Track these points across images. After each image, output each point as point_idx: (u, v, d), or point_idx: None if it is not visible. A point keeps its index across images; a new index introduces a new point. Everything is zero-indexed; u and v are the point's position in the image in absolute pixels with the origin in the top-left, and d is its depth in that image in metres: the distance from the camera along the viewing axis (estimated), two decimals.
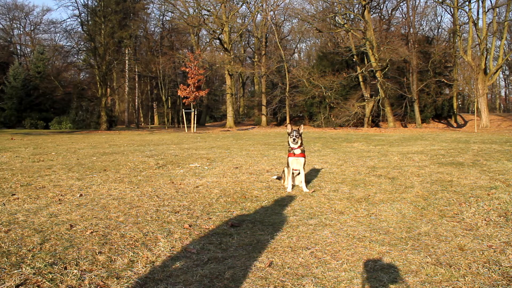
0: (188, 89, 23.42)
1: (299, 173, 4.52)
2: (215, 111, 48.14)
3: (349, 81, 27.77)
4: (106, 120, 29.29)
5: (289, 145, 4.40)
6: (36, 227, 2.95)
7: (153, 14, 42.87)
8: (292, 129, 4.40)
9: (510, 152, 7.48)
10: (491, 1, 40.97)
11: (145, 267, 2.27)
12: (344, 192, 4.25)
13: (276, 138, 14.63)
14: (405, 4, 30.29)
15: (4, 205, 3.67)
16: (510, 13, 25.83)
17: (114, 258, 2.39)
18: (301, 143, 4.44)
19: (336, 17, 28.94)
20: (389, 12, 33.11)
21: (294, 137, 4.34)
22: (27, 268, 2.19)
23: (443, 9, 38.36)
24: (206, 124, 40.83)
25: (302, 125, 4.83)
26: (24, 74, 33.03)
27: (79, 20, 30.97)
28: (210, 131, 25.23)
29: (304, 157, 4.45)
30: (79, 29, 32.67)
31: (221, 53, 35.84)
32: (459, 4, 26.35)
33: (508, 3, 24.94)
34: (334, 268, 2.27)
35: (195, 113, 25.20)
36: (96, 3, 30.03)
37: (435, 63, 27.78)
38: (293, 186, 4.50)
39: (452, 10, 28.63)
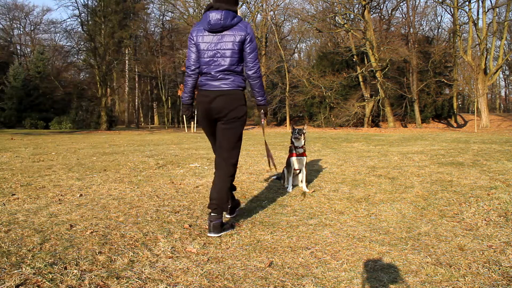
0: None
1: (299, 173, 4.51)
2: None
3: (349, 81, 27.76)
4: (106, 120, 29.27)
5: (292, 144, 4.37)
6: (36, 227, 2.95)
7: (153, 14, 42.84)
8: (294, 128, 4.40)
9: (510, 152, 7.48)
10: (491, 1, 40.97)
11: (145, 267, 2.27)
12: (344, 192, 4.25)
13: (276, 138, 14.64)
14: (405, 4, 30.30)
15: (4, 205, 3.67)
16: (510, 13, 25.83)
17: (114, 258, 2.39)
18: (304, 143, 4.42)
19: (336, 17, 28.93)
20: (389, 12, 33.10)
21: (297, 135, 4.32)
22: (27, 268, 2.19)
23: (443, 9, 38.37)
24: None
25: (305, 125, 4.82)
26: (24, 74, 33.00)
27: (79, 20, 30.92)
28: None
29: (306, 156, 4.44)
30: (79, 29, 32.63)
31: None
32: (459, 4, 26.35)
33: (508, 3, 24.94)
34: (334, 268, 2.27)
35: (195, 113, 25.18)
36: (96, 3, 30.01)
37: (435, 63, 27.77)
38: (293, 186, 4.50)
39: (452, 10, 28.64)
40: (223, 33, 2.80)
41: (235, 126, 2.91)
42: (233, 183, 3.21)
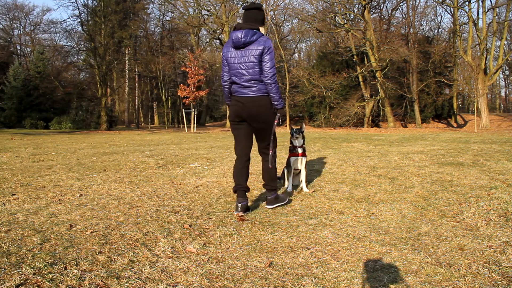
0: (188, 89, 23.42)
1: (299, 173, 4.51)
2: (215, 111, 48.11)
3: (349, 81, 27.76)
4: (106, 120, 29.28)
5: (292, 144, 4.36)
6: (36, 227, 2.95)
7: (153, 14, 42.89)
8: (292, 128, 4.38)
9: (510, 152, 7.48)
10: (491, 1, 40.98)
11: (145, 267, 2.27)
12: (344, 192, 4.25)
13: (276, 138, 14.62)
14: (405, 4, 30.31)
15: (4, 205, 3.67)
16: (510, 13, 25.84)
17: (114, 258, 2.39)
18: (303, 142, 4.40)
19: (336, 17, 28.94)
20: (389, 12, 33.11)
21: (295, 135, 4.30)
22: (27, 268, 2.19)
23: (443, 9, 38.37)
24: (206, 124, 40.82)
25: (303, 124, 4.78)
26: (24, 74, 33.01)
27: (79, 20, 30.97)
28: (210, 131, 25.24)
29: (306, 156, 4.42)
30: (79, 29, 32.68)
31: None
32: (459, 4, 26.35)
33: (508, 3, 24.94)
34: (334, 268, 2.27)
35: (195, 113, 25.19)
36: (96, 3, 30.03)
37: (435, 63, 27.77)
38: (294, 186, 4.50)
39: (452, 10, 28.64)
40: (246, 48, 3.32)
41: (267, 128, 3.46)
42: (234, 183, 3.45)
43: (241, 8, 26.78)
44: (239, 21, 38.61)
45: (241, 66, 3.34)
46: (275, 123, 3.50)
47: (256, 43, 3.28)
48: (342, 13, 27.87)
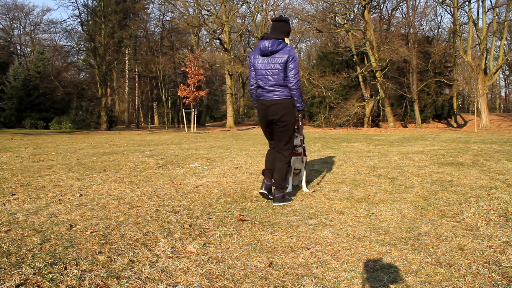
0: (188, 89, 23.42)
1: (299, 173, 4.51)
2: (215, 111, 48.09)
3: (349, 81, 27.73)
4: (106, 120, 29.27)
5: None
6: (36, 227, 2.95)
7: (153, 14, 42.87)
8: None
9: (510, 152, 7.48)
10: (491, 1, 40.96)
11: (145, 267, 2.27)
12: (344, 192, 4.25)
13: None
14: (405, 4, 30.30)
15: (4, 205, 3.68)
16: (510, 13, 25.83)
17: (114, 258, 2.39)
18: (302, 142, 4.39)
19: (336, 17, 28.91)
20: (389, 12, 33.11)
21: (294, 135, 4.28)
22: (27, 268, 2.19)
23: (443, 9, 38.38)
24: (206, 124, 40.81)
25: (300, 122, 4.77)
26: (24, 74, 33.02)
27: (79, 20, 30.99)
28: (210, 131, 25.24)
29: (305, 156, 4.42)
30: (79, 29, 32.70)
31: (221, 53, 35.79)
32: (459, 4, 26.34)
33: (508, 3, 24.93)
34: (334, 268, 2.27)
35: (195, 113, 25.19)
36: (96, 3, 30.03)
37: (435, 63, 27.76)
38: (293, 186, 4.49)
39: (452, 10, 28.64)
40: (271, 56, 3.67)
41: (287, 128, 3.82)
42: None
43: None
44: (239, 21, 38.77)
45: (267, 72, 3.69)
46: (299, 124, 3.93)
47: (281, 52, 3.63)
48: (342, 13, 27.85)
